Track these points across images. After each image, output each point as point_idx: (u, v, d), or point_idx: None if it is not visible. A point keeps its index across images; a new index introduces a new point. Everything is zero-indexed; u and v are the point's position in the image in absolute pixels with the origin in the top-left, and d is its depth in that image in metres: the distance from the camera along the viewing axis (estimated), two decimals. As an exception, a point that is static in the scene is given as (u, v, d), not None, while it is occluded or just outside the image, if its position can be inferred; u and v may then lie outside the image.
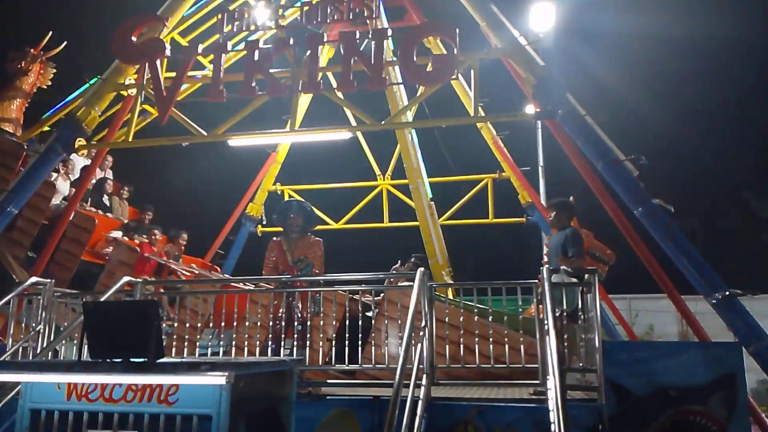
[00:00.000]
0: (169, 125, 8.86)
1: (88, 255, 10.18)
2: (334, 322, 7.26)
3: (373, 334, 7.15)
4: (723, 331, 7.01)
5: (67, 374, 3.93)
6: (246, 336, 7.26)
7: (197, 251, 12.96)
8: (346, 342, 6.25)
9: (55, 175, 10.34)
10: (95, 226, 10.08)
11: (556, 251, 6.94)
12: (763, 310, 13.57)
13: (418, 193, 12.55)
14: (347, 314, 6.35)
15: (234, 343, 7.35)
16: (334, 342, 7.29)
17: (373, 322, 7.31)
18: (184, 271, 9.61)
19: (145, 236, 10.35)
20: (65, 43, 11.75)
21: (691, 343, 8.06)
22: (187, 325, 7.60)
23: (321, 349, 6.52)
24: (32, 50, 11.24)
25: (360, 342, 6.22)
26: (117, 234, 10.34)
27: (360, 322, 6.40)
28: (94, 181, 10.99)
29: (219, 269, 12.51)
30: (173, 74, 8.93)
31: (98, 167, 10.97)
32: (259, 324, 6.81)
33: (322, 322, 6.79)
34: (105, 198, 11.07)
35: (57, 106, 11.81)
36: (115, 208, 11.25)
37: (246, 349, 7.22)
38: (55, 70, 11.61)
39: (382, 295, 7.14)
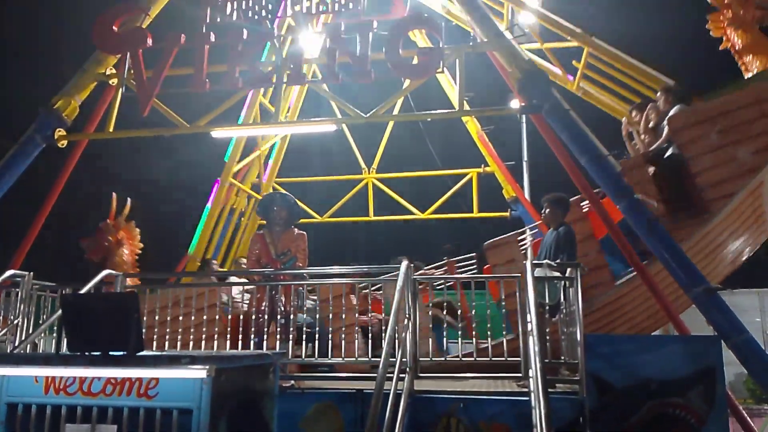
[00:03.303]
0: (151, 116, 8.73)
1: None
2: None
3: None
4: (703, 325, 7.08)
5: (45, 368, 3.88)
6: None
7: (181, 245, 12.84)
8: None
9: None
10: None
11: (546, 251, 6.71)
12: (742, 304, 13.86)
13: None
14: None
15: None
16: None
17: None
18: None
19: None
20: (129, 200, 9.99)
21: (672, 337, 8.14)
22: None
23: (303, 342, 6.50)
24: (108, 221, 9.61)
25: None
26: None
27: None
28: None
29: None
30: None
31: None
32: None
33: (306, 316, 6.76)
34: None
35: None
36: None
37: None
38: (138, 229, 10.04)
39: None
